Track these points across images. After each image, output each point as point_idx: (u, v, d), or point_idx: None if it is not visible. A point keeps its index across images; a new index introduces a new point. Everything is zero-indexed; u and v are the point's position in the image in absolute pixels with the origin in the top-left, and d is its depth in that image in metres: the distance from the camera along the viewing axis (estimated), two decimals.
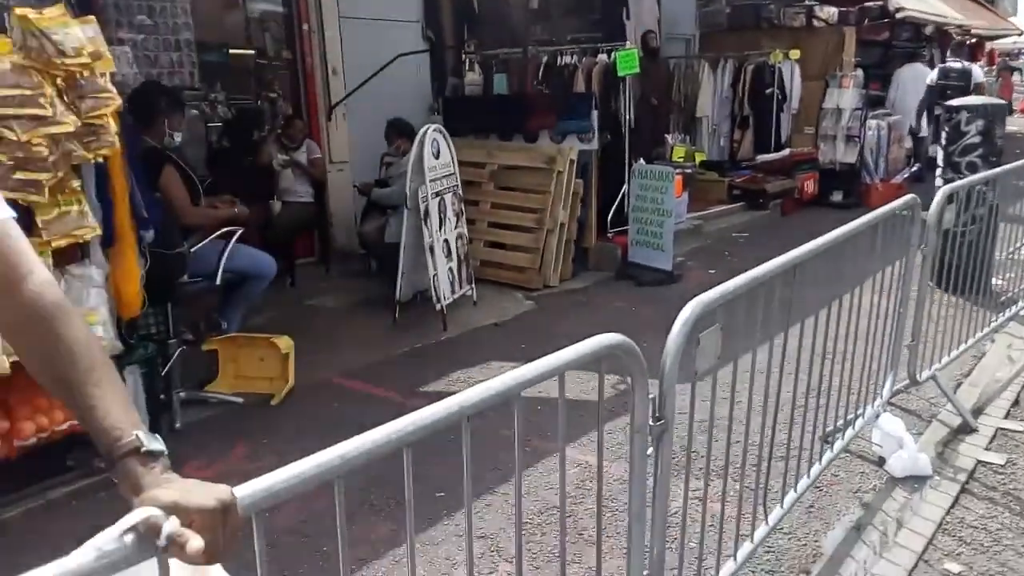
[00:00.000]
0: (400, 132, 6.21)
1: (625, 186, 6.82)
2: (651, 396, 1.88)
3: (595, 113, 6.52)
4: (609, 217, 6.95)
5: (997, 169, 4.66)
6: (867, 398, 3.43)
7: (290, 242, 6.29)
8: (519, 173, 6.51)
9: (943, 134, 5.77)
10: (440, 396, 1.42)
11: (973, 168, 5.35)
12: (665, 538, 2.11)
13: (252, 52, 7.19)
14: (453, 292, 5.48)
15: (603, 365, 1.76)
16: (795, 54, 9.74)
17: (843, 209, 8.62)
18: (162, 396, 3.81)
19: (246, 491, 1.07)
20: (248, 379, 4.27)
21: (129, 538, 0.92)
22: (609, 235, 6.92)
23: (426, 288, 5.40)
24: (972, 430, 3.68)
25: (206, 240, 4.29)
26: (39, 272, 1.11)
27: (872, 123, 9.71)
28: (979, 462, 3.42)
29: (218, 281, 4.19)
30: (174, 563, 0.96)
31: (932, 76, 9.67)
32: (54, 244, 3.01)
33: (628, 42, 8.20)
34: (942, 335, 3.92)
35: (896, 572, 2.73)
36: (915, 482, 3.25)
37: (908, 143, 10.81)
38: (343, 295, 6.09)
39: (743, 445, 2.56)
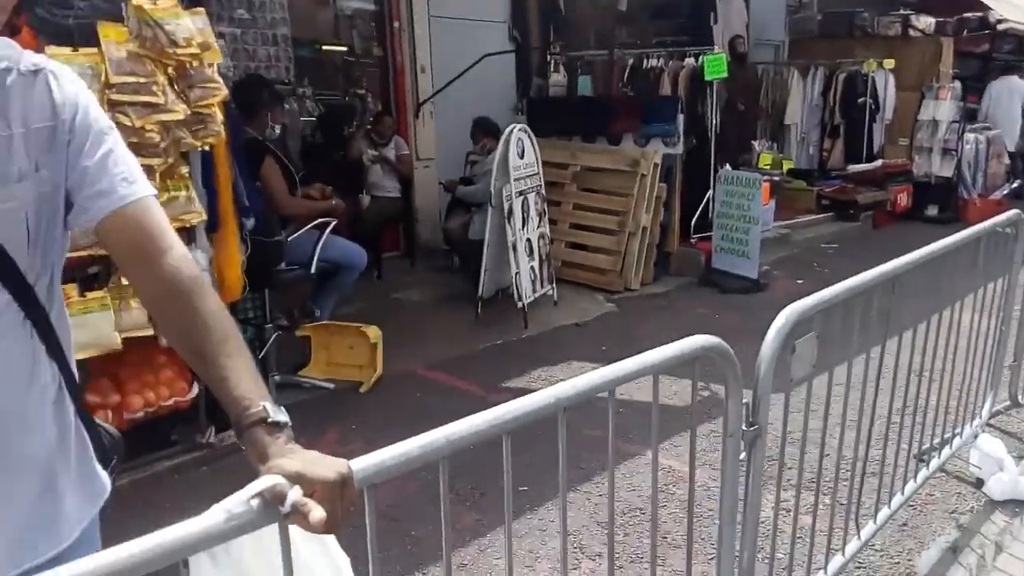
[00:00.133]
0: (486, 131, 6.28)
1: (710, 191, 6.73)
2: (744, 401, 1.87)
3: (681, 117, 6.47)
4: (693, 222, 6.87)
5: None
6: (965, 417, 3.32)
7: (378, 236, 6.43)
8: (602, 175, 6.50)
9: None
10: (522, 392, 1.44)
11: None
12: (756, 546, 2.09)
13: (343, 49, 7.38)
14: (534, 291, 5.51)
15: (697, 367, 1.75)
16: (890, 63, 9.47)
17: (938, 224, 8.36)
18: None
19: (359, 465, 1.10)
20: (338, 366, 4.39)
21: (256, 503, 0.97)
22: (692, 240, 6.85)
23: (508, 286, 5.45)
24: None
25: (302, 230, 4.43)
26: (178, 247, 1.17)
27: (970, 136, 9.34)
28: None
29: (313, 270, 4.32)
30: (292, 529, 1.01)
31: None
32: None
33: (716, 46, 8.10)
34: None
35: None
36: (1016, 506, 3.12)
37: (1006, 159, 10.36)
38: (427, 289, 6.20)
39: (835, 459, 2.51)
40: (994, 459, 3.22)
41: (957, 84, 9.66)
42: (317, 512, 0.94)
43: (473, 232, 5.74)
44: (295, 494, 0.96)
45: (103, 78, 2.94)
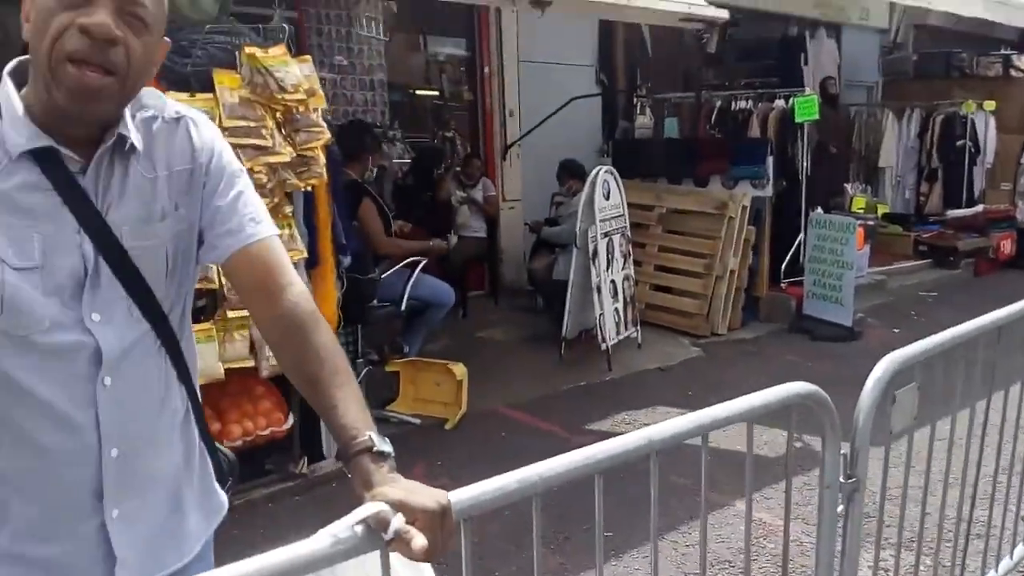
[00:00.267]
0: (572, 173, 6.34)
1: (801, 235, 6.60)
2: (842, 452, 1.81)
3: (770, 159, 6.38)
4: (783, 267, 6.74)
5: None
6: None
7: (464, 275, 6.55)
8: (688, 217, 6.46)
9: None
10: (605, 435, 1.47)
11: None
12: None
13: (434, 93, 7.62)
14: (618, 333, 5.50)
15: (792, 415, 1.72)
16: (990, 105, 9.13)
17: None
18: None
19: (456, 497, 1.12)
20: (425, 402, 4.47)
21: (360, 529, 1.00)
22: (782, 285, 6.70)
23: (591, 327, 5.45)
24: None
25: (393, 268, 4.57)
26: (297, 284, 1.25)
27: None
28: None
29: (403, 307, 4.45)
30: (393, 556, 1.04)
31: None
32: None
33: (806, 88, 7.99)
34: None
35: None
36: None
37: None
38: (511, 329, 6.26)
39: (936, 518, 2.41)
40: None
41: None
42: (419, 540, 0.98)
43: (557, 273, 5.78)
44: (398, 521, 0.99)
45: (217, 122, 3.12)
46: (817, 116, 6.68)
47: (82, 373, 1.13)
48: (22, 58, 1.14)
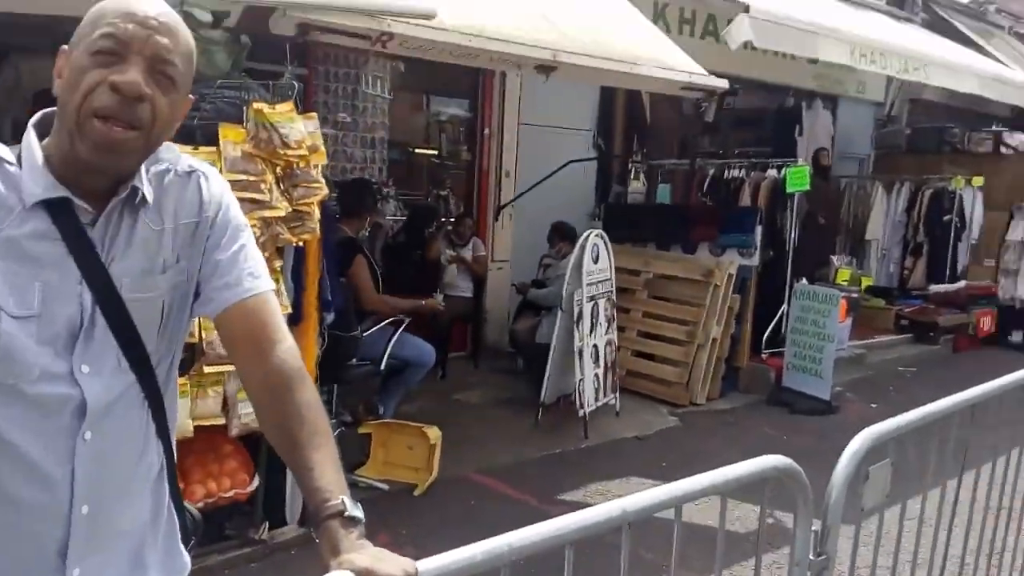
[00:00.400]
0: (563, 236, 6.41)
1: (784, 306, 6.65)
2: (813, 528, 1.79)
3: (759, 228, 6.46)
4: (765, 336, 6.77)
5: None
6: None
7: (447, 335, 6.57)
8: (675, 283, 6.51)
9: None
10: (577, 506, 1.47)
11: None
12: None
13: (433, 152, 7.75)
14: (597, 399, 5.50)
15: (767, 489, 1.71)
16: (978, 181, 9.25)
17: (1023, 351, 8.02)
18: None
19: (424, 567, 1.10)
20: (395, 466, 4.41)
21: None
22: (763, 356, 6.73)
23: (570, 392, 5.45)
24: None
25: (376, 327, 4.59)
26: (288, 340, 1.27)
27: None
28: None
29: (383, 366, 4.45)
30: None
31: None
32: None
33: (799, 158, 8.13)
34: None
35: None
36: None
37: None
38: (489, 391, 6.23)
39: None
40: None
41: None
42: None
43: (540, 335, 5.81)
44: None
45: None
46: (808, 187, 6.77)
47: (64, 426, 1.13)
48: (47, 111, 1.18)
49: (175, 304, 1.25)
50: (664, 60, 5.11)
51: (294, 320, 3.59)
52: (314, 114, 3.56)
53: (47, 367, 1.12)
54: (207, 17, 3.15)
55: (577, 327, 5.32)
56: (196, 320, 3.08)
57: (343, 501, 1.09)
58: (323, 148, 3.49)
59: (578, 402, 5.26)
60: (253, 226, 3.20)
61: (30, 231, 1.12)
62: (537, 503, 4.16)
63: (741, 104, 9.57)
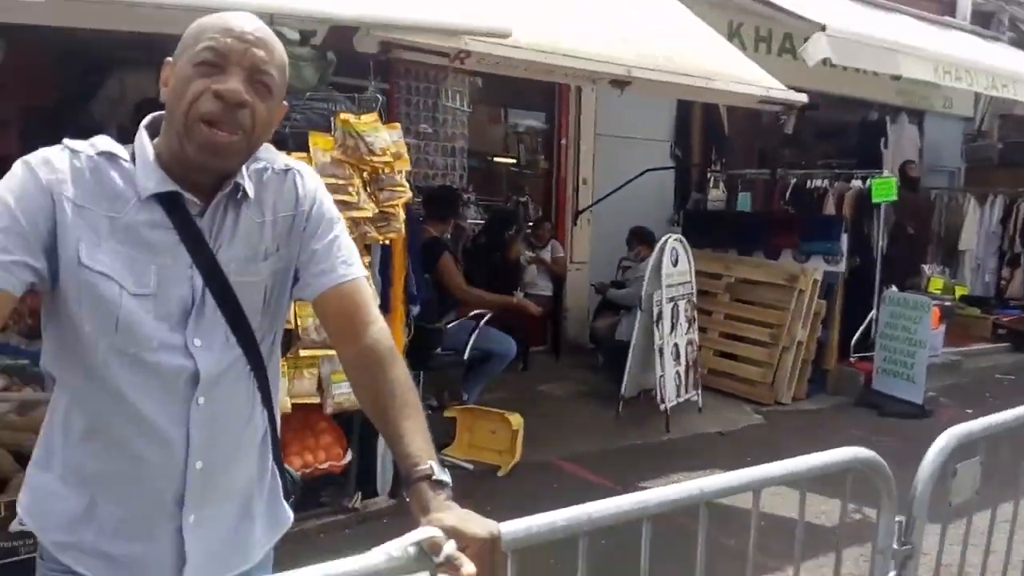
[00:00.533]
0: (642, 239, 6.43)
1: (873, 312, 6.48)
2: (898, 519, 1.77)
3: (845, 236, 6.36)
4: (853, 342, 6.60)
5: None
6: None
7: (527, 330, 6.63)
8: (757, 288, 6.44)
9: None
10: None
11: None
12: None
13: (512, 161, 7.88)
14: (678, 395, 5.47)
15: (848, 480, 1.69)
16: None
17: None
18: None
19: (506, 529, 1.15)
20: (479, 449, 4.52)
21: (413, 550, 1.04)
22: (852, 360, 6.56)
23: (651, 388, 5.44)
24: None
25: (460, 319, 4.72)
26: (380, 322, 1.36)
27: None
28: None
29: (466, 356, 4.56)
30: None
31: None
32: None
33: (885, 170, 7.94)
34: None
35: None
36: None
37: None
38: (570, 384, 6.28)
39: None
40: None
41: None
42: (467, 568, 1.02)
43: (620, 333, 5.82)
44: (450, 547, 1.03)
45: None
46: (895, 197, 6.65)
47: (180, 393, 1.25)
48: (156, 114, 1.29)
49: (276, 288, 1.35)
50: (740, 75, 5.12)
51: (382, 312, 3.71)
52: (397, 125, 3.74)
53: (164, 339, 1.24)
54: (295, 36, 3.34)
55: (657, 327, 5.31)
56: (292, 308, 3.26)
57: (431, 466, 1.16)
58: (406, 155, 3.67)
59: (659, 396, 5.25)
60: None
61: (145, 220, 1.23)
62: (618, 488, 4.14)
63: (823, 117, 9.39)
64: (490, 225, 6.53)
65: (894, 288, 6.56)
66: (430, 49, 3.74)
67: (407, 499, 1.17)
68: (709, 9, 6.23)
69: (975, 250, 9.04)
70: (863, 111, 9.56)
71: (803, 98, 5.36)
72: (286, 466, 1.50)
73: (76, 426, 1.27)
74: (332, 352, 3.29)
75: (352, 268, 1.37)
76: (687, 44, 5.20)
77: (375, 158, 3.46)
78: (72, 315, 1.21)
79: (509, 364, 5.15)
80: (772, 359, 6.09)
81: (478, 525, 1.08)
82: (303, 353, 3.41)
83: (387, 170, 3.55)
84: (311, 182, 1.39)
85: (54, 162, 1.21)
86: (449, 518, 1.07)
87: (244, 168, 1.29)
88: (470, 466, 4.37)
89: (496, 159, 7.83)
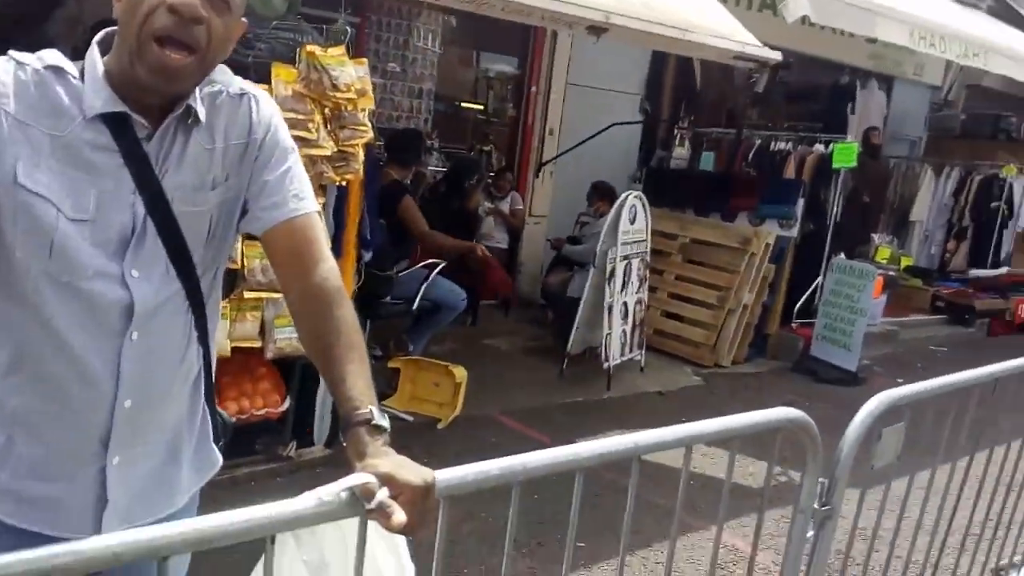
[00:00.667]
0: (602, 195, 6.44)
1: (820, 279, 6.62)
2: (821, 480, 1.84)
3: (801, 201, 6.43)
4: (797, 307, 6.76)
5: None
6: None
7: (477, 283, 6.65)
8: (710, 249, 6.51)
9: None
10: None
11: None
12: None
13: (479, 107, 7.78)
14: (623, 354, 5.57)
15: (778, 440, 1.74)
16: None
17: None
18: None
19: (441, 476, 1.15)
20: (421, 401, 4.54)
21: (345, 495, 1.05)
22: (793, 325, 6.73)
23: (597, 345, 5.52)
24: None
25: (412, 268, 4.71)
26: (330, 260, 1.32)
27: None
28: None
29: (415, 306, 4.56)
30: (371, 526, 1.09)
31: None
32: None
33: (849, 136, 8.01)
34: None
35: None
36: None
37: None
38: (518, 339, 6.33)
39: (905, 561, 2.45)
40: None
41: None
42: (399, 516, 1.03)
43: (572, 289, 5.87)
44: (383, 494, 1.03)
45: None
46: (854, 164, 6.68)
47: (113, 327, 1.20)
48: (110, 29, 1.22)
49: (222, 219, 1.30)
50: (717, 29, 5.06)
51: (333, 255, 3.69)
52: (364, 60, 3.63)
53: (100, 268, 1.18)
54: None
55: (609, 284, 5.37)
56: (239, 248, 3.22)
57: (371, 411, 1.15)
58: (371, 93, 3.56)
59: (604, 355, 5.33)
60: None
61: (89, 141, 1.17)
62: (555, 445, 4.23)
63: (794, 78, 9.42)
64: (451, 173, 6.48)
65: (843, 256, 6.69)
66: None
67: (344, 443, 1.16)
68: None
69: (925, 221, 9.21)
70: (835, 74, 9.57)
71: (777, 56, 5.35)
72: (218, 409, 1.46)
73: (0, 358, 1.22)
74: (277, 295, 3.28)
75: (304, 202, 1.32)
76: None
77: (339, 94, 3.35)
78: (4, 237, 1.16)
79: (458, 317, 5.17)
80: (717, 321, 6.21)
81: (412, 472, 1.07)
82: (247, 295, 3.35)
83: (350, 107, 3.45)
84: (267, 108, 1.33)
85: None
86: (384, 464, 1.07)
87: (197, 90, 1.23)
88: (410, 418, 4.40)
89: (463, 104, 7.73)
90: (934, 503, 2.38)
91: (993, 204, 8.83)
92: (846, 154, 6.62)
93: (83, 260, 1.17)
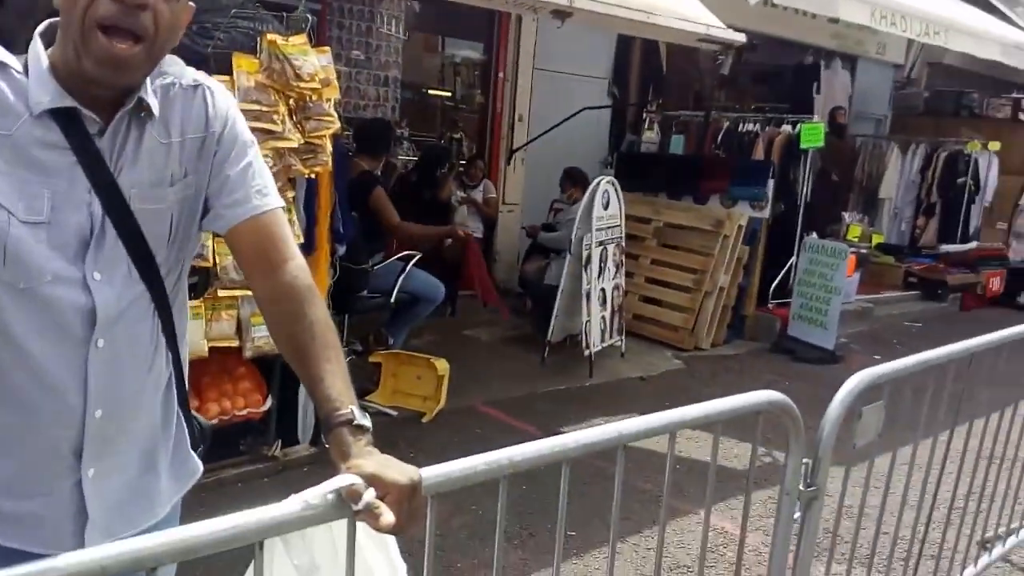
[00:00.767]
0: (575, 181, 6.41)
1: (793, 259, 6.68)
2: (805, 461, 1.85)
3: (771, 182, 6.46)
4: (772, 288, 6.81)
5: None
6: None
7: (456, 273, 6.60)
8: (684, 233, 6.53)
9: None
10: None
11: None
12: None
13: (447, 94, 7.70)
14: (603, 340, 5.56)
15: (760, 423, 1.76)
16: (995, 146, 9.23)
17: None
18: None
19: (426, 474, 1.14)
20: (404, 395, 4.51)
21: (331, 497, 1.03)
22: (770, 306, 6.78)
23: (577, 333, 5.51)
24: None
25: (388, 260, 4.65)
26: (298, 258, 1.28)
27: None
28: None
29: (393, 299, 4.51)
30: (359, 527, 1.08)
31: None
32: None
33: (815, 116, 8.06)
34: None
35: None
36: None
37: None
38: (497, 329, 6.29)
39: (892, 536, 2.47)
40: None
41: None
42: (387, 517, 1.02)
43: (549, 277, 5.85)
44: (369, 495, 1.02)
45: None
46: (822, 143, 6.75)
47: (77, 334, 1.15)
48: (52, 20, 1.16)
49: (183, 216, 1.25)
50: (682, 11, 5.07)
51: (306, 250, 3.63)
52: (327, 49, 3.56)
53: (59, 271, 1.13)
54: None
55: (585, 270, 5.36)
56: (211, 245, 3.15)
57: (352, 411, 1.13)
58: (336, 83, 3.50)
59: (584, 342, 5.32)
60: (265, 156, 3.21)
61: (38, 139, 1.12)
62: (541, 434, 4.19)
63: (759, 60, 9.46)
64: (422, 163, 6.41)
65: (815, 235, 6.75)
66: None
67: (327, 445, 1.14)
68: None
69: (894, 198, 9.33)
70: (799, 55, 9.64)
71: (741, 38, 5.36)
72: (194, 414, 1.43)
73: None
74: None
75: (268, 198, 1.29)
76: None
77: (302, 84, 3.28)
78: None
79: (437, 308, 5.12)
80: (694, 304, 6.23)
81: (398, 472, 1.06)
82: (221, 293, 3.28)
83: (315, 98, 3.39)
84: (223, 100, 1.28)
85: None
86: (369, 465, 1.05)
87: (148, 82, 1.18)
88: (394, 412, 4.37)
89: (431, 92, 7.64)
90: (918, 478, 2.41)
91: (959, 180, 8.96)
92: (813, 134, 6.67)
93: (40, 264, 1.12)
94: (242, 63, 3.22)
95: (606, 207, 5.60)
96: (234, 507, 1.01)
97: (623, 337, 5.87)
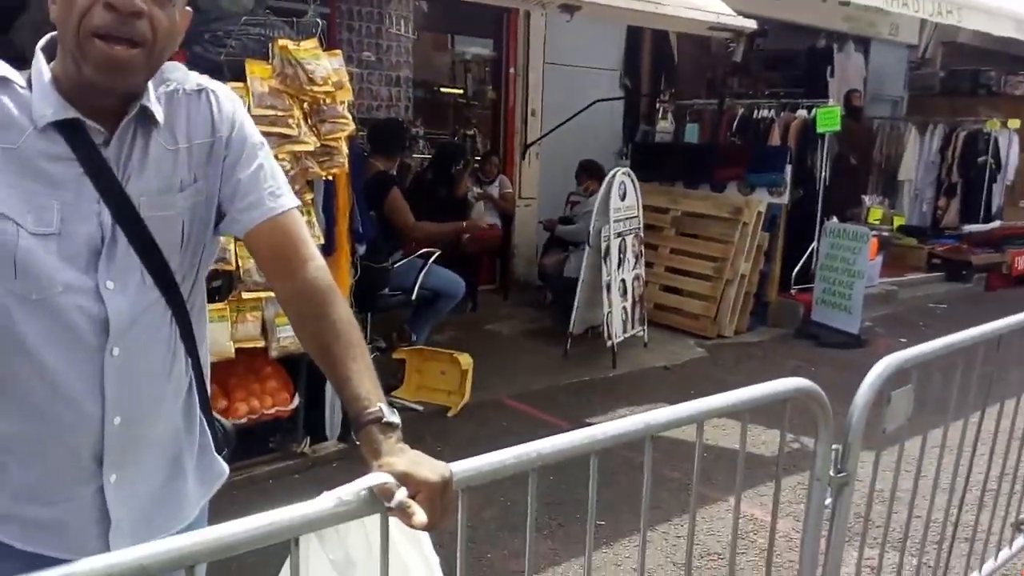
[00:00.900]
0: (590, 173, 6.40)
1: (814, 243, 6.62)
2: (834, 447, 1.84)
3: (789, 167, 6.41)
4: (794, 273, 6.76)
5: None
6: None
7: (475, 268, 6.63)
8: (703, 221, 6.49)
9: None
10: None
11: None
12: None
13: (459, 91, 7.70)
14: (625, 331, 5.55)
15: (788, 410, 1.75)
16: (1015, 123, 9.09)
17: None
18: None
19: (456, 468, 1.15)
20: (429, 390, 4.54)
21: (364, 495, 1.05)
22: (792, 292, 6.73)
23: (598, 324, 5.51)
24: None
25: (407, 258, 4.67)
26: (318, 258, 1.28)
27: None
28: None
29: (414, 296, 4.54)
30: (393, 522, 1.09)
31: None
32: None
33: (831, 99, 7.99)
34: None
35: None
36: None
37: None
38: (519, 323, 6.33)
39: (924, 520, 2.44)
40: None
41: None
42: (419, 516, 1.02)
43: (568, 270, 5.85)
44: (401, 494, 1.03)
45: (246, 109, 3.22)
46: (839, 127, 6.68)
47: (91, 343, 1.15)
48: (52, 34, 1.17)
49: (195, 222, 1.25)
50: (690, 0, 5.02)
51: (326, 251, 3.66)
52: (338, 52, 3.59)
53: (71, 282, 1.14)
54: None
55: (605, 262, 5.34)
56: (233, 249, 3.19)
57: (380, 408, 1.13)
58: (348, 85, 3.53)
59: (606, 333, 5.31)
60: (282, 160, 3.26)
61: (44, 152, 1.12)
62: (567, 426, 4.22)
63: (771, 45, 9.40)
64: (437, 160, 6.42)
65: (835, 219, 6.69)
66: None
67: (357, 443, 1.15)
68: None
69: (914, 180, 9.22)
70: (811, 39, 9.54)
71: (752, 24, 5.32)
72: (218, 417, 1.43)
73: None
74: None
75: (282, 199, 1.28)
76: None
77: (316, 88, 3.33)
78: None
79: (458, 304, 5.14)
80: (716, 293, 6.20)
81: (429, 469, 1.06)
82: (246, 296, 3.34)
83: (328, 100, 3.43)
84: (228, 103, 1.28)
85: None
86: (400, 463, 1.06)
87: (151, 89, 1.18)
88: (420, 407, 4.40)
89: (442, 89, 7.65)
90: (949, 460, 2.39)
91: (980, 159, 8.84)
92: (829, 118, 6.61)
93: (51, 275, 1.12)
94: (255, 69, 3.26)
95: (623, 198, 5.59)
96: (266, 504, 1.02)
97: (645, 327, 5.86)
